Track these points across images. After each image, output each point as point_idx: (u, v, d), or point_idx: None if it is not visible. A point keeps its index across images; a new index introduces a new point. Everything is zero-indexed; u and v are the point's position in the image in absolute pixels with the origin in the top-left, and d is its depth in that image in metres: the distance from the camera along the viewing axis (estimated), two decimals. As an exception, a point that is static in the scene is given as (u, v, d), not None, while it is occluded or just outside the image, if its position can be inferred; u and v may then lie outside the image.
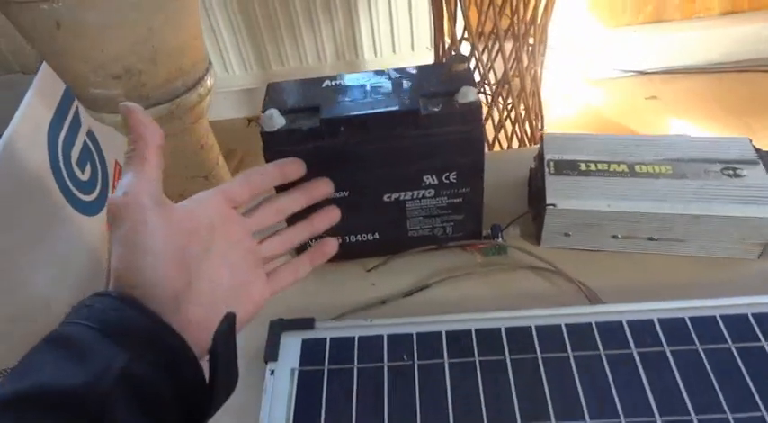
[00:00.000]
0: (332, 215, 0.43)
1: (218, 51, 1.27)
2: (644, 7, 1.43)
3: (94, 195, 0.97)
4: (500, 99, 0.89)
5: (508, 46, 0.90)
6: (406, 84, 0.45)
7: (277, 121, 0.43)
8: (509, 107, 0.92)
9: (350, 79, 0.47)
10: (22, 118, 0.79)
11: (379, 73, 0.47)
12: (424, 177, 0.46)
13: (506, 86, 0.86)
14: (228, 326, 0.31)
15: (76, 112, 0.96)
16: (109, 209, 0.31)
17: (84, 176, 0.95)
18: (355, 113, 0.43)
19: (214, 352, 0.30)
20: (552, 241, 0.50)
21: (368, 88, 0.45)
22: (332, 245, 0.43)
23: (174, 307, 0.31)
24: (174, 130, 0.73)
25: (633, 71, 1.48)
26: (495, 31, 0.83)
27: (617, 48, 1.46)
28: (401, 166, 0.45)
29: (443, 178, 0.46)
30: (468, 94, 0.43)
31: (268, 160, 0.44)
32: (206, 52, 0.73)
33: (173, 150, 0.78)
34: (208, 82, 0.73)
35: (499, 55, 0.89)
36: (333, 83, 0.47)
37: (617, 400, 0.37)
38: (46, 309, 0.80)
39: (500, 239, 0.50)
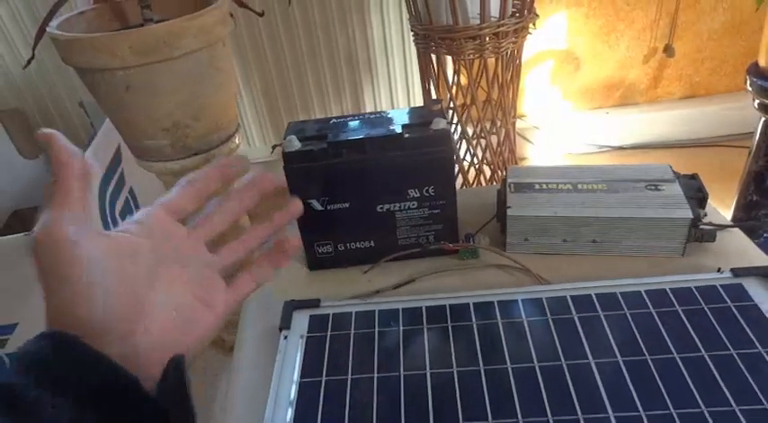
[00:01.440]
0: (293, 209, 0.40)
1: (241, 127, 1.43)
2: (613, 93, 1.60)
3: (132, 242, 1.07)
4: (479, 149, 1.04)
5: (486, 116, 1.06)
6: (394, 119, 0.57)
7: (295, 144, 0.55)
8: (487, 157, 1.05)
9: (351, 118, 0.59)
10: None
11: (374, 113, 0.59)
12: (409, 191, 0.57)
13: (483, 141, 1.00)
14: (176, 374, 0.29)
15: (122, 172, 1.10)
16: (31, 244, 0.28)
17: (125, 225, 1.06)
18: (354, 138, 0.54)
19: (164, 407, 0.28)
20: (515, 247, 0.59)
21: (365, 122, 0.57)
22: (293, 243, 0.40)
23: (122, 340, 0.29)
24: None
25: (607, 146, 1.62)
26: (471, 97, 0.99)
27: (593, 127, 1.61)
28: (390, 181, 0.56)
29: (423, 191, 0.57)
30: (439, 123, 0.54)
31: (288, 176, 0.55)
32: (237, 117, 0.87)
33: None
34: (237, 139, 0.86)
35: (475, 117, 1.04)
36: (338, 120, 0.59)
37: (560, 349, 0.45)
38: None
39: (472, 245, 0.60)
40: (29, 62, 0.77)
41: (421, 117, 0.56)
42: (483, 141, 1.02)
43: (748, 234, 0.60)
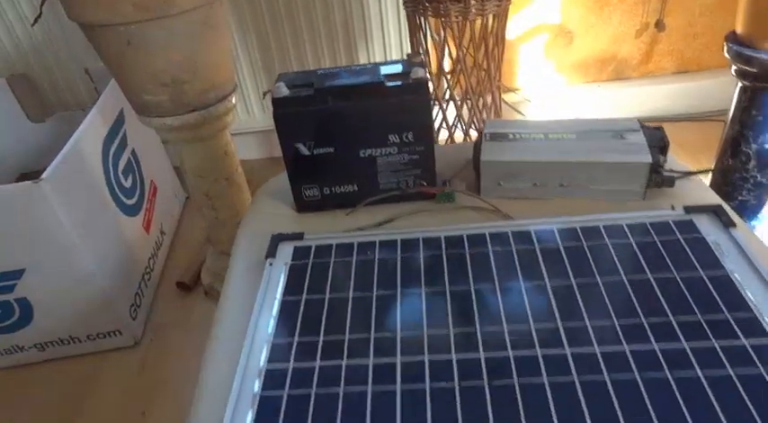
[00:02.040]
0: None
1: (241, 97, 1.47)
2: (606, 67, 1.62)
3: (134, 200, 1.12)
4: (465, 111, 1.07)
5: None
6: (377, 69, 0.61)
7: (283, 91, 0.58)
8: (475, 123, 1.09)
9: (338, 69, 0.63)
10: (86, 127, 0.96)
11: (359, 65, 0.63)
12: (389, 136, 0.60)
13: (469, 102, 1.03)
14: None
15: (125, 133, 1.14)
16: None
17: (127, 184, 1.10)
18: (339, 84, 0.58)
19: None
20: (489, 191, 0.63)
21: (350, 73, 0.61)
22: None
23: None
24: (204, 134, 0.89)
25: (599, 120, 1.64)
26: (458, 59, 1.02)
27: (585, 101, 1.64)
28: (372, 127, 0.60)
29: (403, 137, 0.60)
30: (418, 72, 0.58)
31: (276, 121, 0.59)
32: (234, 76, 0.91)
33: (204, 153, 0.93)
34: (233, 99, 0.90)
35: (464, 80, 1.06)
36: (326, 71, 0.62)
37: (520, 274, 0.49)
38: (91, 278, 0.93)
39: (449, 188, 0.64)
40: (36, 20, 0.80)
41: (402, 68, 0.60)
42: (470, 103, 1.06)
43: (724, 198, 0.63)
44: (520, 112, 1.54)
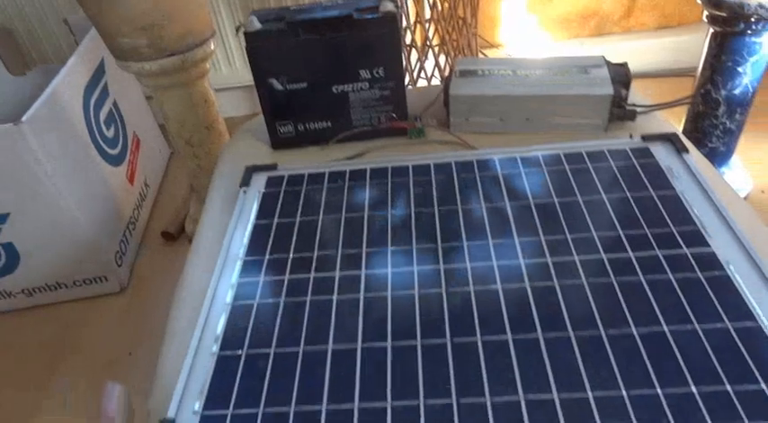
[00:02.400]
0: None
1: (222, 49, 1.46)
2: (588, 23, 1.62)
3: (117, 150, 1.13)
4: (441, 58, 1.08)
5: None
6: (348, 4, 0.62)
7: (255, 24, 0.59)
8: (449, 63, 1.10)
9: (310, 5, 0.63)
10: (66, 73, 0.96)
11: (332, 1, 0.64)
12: (360, 71, 0.62)
13: (445, 48, 1.04)
14: None
15: (106, 84, 1.14)
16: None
17: (110, 134, 1.11)
18: (309, 17, 0.59)
19: None
20: (458, 127, 0.65)
21: (322, 8, 0.62)
22: None
23: None
24: (184, 79, 0.90)
25: (581, 76, 1.65)
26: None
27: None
28: (343, 61, 0.61)
29: (374, 73, 0.62)
30: (387, 5, 0.59)
31: (249, 55, 0.60)
32: (211, 22, 0.91)
33: (184, 100, 0.94)
34: (211, 44, 0.90)
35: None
36: (299, 7, 0.63)
37: (482, 197, 0.52)
38: (75, 223, 0.95)
39: (419, 123, 0.65)
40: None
41: (372, 2, 0.61)
42: (447, 51, 1.06)
43: (695, 145, 0.65)
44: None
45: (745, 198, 1.11)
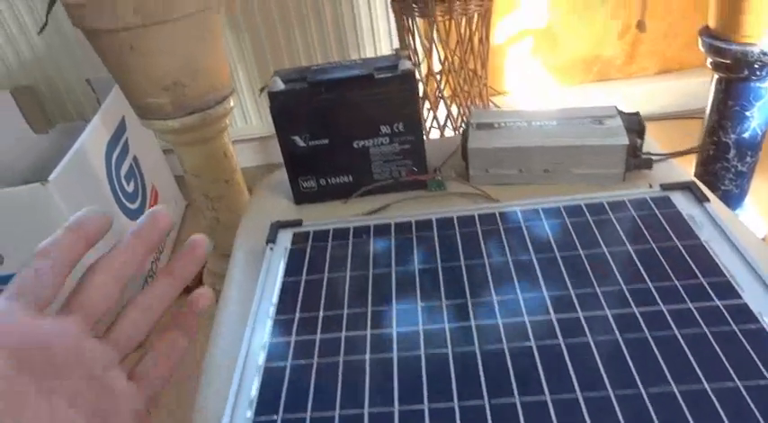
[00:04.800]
0: (197, 252, 0.32)
1: (238, 104, 1.49)
2: (590, 69, 1.66)
3: (136, 205, 1.14)
4: (454, 108, 1.10)
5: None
6: (367, 63, 0.63)
7: (279, 85, 0.61)
8: (463, 117, 1.12)
9: (330, 64, 0.65)
10: (90, 132, 0.98)
11: (350, 60, 0.66)
12: (381, 127, 0.63)
13: (457, 99, 1.06)
14: None
15: (127, 140, 1.16)
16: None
17: (130, 188, 1.12)
18: (331, 77, 0.60)
19: None
20: (477, 179, 0.65)
21: (342, 67, 0.63)
22: (204, 299, 0.32)
23: None
24: (205, 135, 0.92)
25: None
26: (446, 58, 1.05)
27: (571, 103, 1.67)
28: (364, 118, 0.62)
29: (394, 128, 0.63)
30: (405, 64, 0.60)
31: (273, 114, 0.61)
32: (231, 80, 0.93)
33: (204, 155, 0.96)
34: (231, 101, 0.92)
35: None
36: (319, 66, 0.65)
37: (507, 249, 0.52)
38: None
39: (439, 176, 0.66)
40: (42, 28, 0.83)
41: (390, 61, 0.63)
42: (459, 102, 1.08)
43: (708, 187, 0.65)
44: (509, 114, 1.57)
45: (763, 239, 1.11)
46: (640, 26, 1.54)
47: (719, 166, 1.01)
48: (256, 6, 1.36)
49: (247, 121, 1.52)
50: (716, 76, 0.95)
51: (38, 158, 1.39)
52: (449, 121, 1.20)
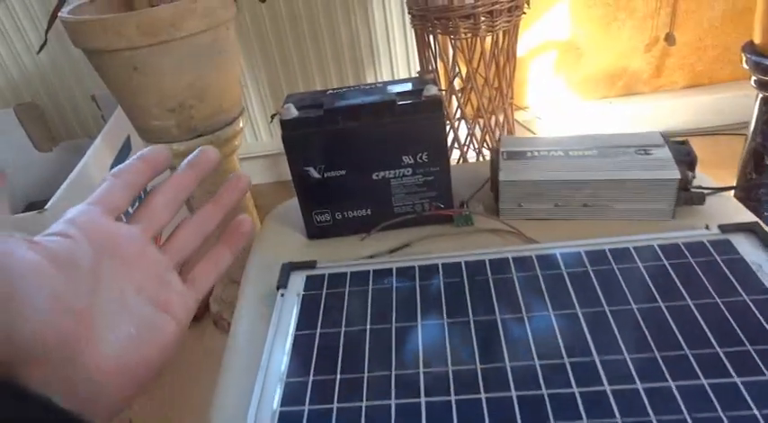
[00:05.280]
0: (241, 184, 0.37)
1: (248, 120, 1.45)
2: (616, 83, 1.60)
3: (142, 228, 1.09)
4: (477, 130, 1.04)
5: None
6: (388, 88, 0.58)
7: (292, 112, 0.56)
8: (487, 141, 1.06)
9: (347, 89, 0.60)
10: (91, 155, 0.94)
11: (369, 84, 0.61)
12: (403, 157, 0.57)
13: (482, 121, 1.01)
14: None
15: (132, 160, 1.12)
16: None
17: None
18: (349, 104, 0.55)
19: None
20: (508, 213, 0.60)
21: (360, 92, 0.58)
22: (246, 223, 0.37)
23: (65, 366, 0.24)
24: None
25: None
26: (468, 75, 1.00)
27: (596, 117, 1.61)
28: (385, 148, 0.57)
29: (417, 158, 0.57)
30: (431, 90, 0.55)
31: (285, 143, 0.56)
32: (240, 99, 0.89)
33: (210, 179, 0.91)
34: (240, 122, 0.88)
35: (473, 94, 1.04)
36: (335, 91, 0.60)
37: (548, 301, 0.46)
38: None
39: (467, 210, 0.60)
40: (42, 47, 0.79)
41: (413, 85, 0.57)
42: (482, 121, 1.03)
43: (753, 211, 0.60)
44: (531, 131, 1.52)
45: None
46: (669, 39, 1.48)
47: (763, 191, 0.94)
48: (268, 23, 1.32)
49: (258, 137, 1.48)
50: (760, 96, 0.89)
51: (43, 176, 1.36)
52: (472, 141, 1.15)
